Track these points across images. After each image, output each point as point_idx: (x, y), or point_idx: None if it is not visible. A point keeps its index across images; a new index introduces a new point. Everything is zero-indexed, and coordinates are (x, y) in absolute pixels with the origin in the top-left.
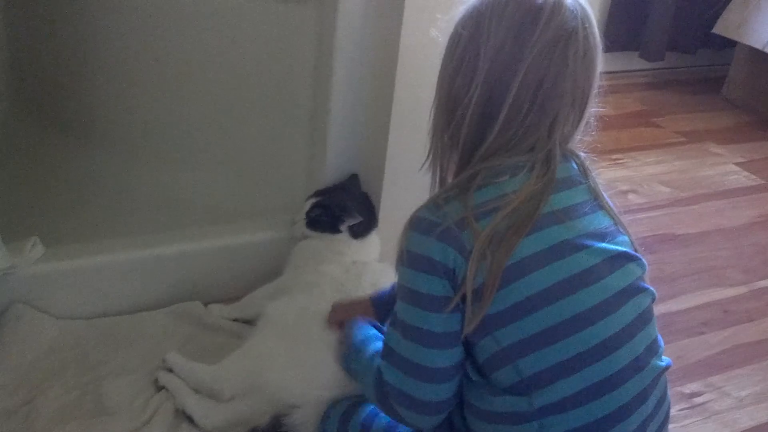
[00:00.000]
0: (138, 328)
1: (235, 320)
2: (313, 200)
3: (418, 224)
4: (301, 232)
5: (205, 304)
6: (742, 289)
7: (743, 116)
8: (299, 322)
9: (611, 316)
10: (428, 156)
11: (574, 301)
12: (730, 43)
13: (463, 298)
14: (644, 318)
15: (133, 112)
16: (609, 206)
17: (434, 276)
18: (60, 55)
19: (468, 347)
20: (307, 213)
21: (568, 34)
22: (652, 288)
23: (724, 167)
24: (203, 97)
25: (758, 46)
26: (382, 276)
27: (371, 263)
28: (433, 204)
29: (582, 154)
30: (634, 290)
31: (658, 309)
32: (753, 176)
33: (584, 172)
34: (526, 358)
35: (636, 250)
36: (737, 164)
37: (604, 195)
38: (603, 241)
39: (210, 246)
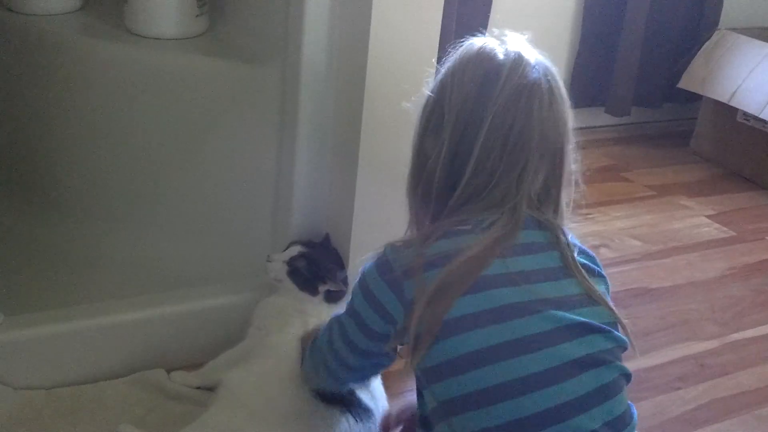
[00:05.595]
0: (99, 398)
1: (198, 388)
2: (299, 248)
3: (380, 258)
4: (275, 274)
5: (168, 372)
6: (717, 343)
7: (712, 169)
8: (260, 390)
9: (559, 385)
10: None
11: (515, 365)
12: (695, 97)
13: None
14: (606, 393)
15: (96, 177)
16: (583, 277)
17: (376, 314)
18: (26, 127)
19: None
20: (292, 260)
21: (531, 85)
22: (623, 365)
23: (695, 220)
24: (165, 162)
25: (723, 99)
26: None
27: None
28: (399, 245)
29: (564, 229)
30: (595, 362)
31: (632, 365)
32: (724, 228)
33: (556, 241)
34: (460, 417)
35: (618, 326)
36: (708, 217)
37: (596, 269)
38: (561, 309)
39: (172, 311)
